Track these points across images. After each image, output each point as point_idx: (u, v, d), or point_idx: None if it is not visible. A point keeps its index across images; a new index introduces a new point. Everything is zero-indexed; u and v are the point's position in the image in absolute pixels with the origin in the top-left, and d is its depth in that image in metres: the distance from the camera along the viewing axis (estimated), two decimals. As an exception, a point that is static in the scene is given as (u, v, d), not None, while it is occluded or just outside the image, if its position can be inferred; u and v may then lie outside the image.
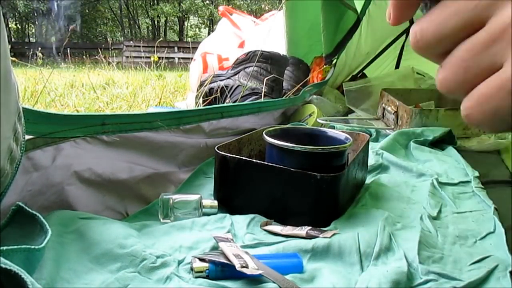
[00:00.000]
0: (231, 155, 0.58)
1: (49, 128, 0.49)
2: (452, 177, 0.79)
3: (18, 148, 0.38)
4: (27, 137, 0.43)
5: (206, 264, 0.41)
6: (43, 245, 0.34)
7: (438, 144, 1.05)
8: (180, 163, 0.72)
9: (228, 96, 1.31)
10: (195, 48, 1.89)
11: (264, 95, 1.23)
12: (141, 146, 0.62)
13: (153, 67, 3.55)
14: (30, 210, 0.38)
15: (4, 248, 0.30)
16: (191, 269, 0.41)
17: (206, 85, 1.37)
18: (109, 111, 1.58)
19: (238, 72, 1.35)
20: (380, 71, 1.83)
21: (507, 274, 0.44)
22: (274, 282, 0.38)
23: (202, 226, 0.52)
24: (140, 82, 2.73)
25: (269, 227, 0.53)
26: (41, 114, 0.48)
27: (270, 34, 1.47)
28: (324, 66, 1.50)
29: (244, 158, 0.57)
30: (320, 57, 1.55)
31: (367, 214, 0.56)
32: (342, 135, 0.64)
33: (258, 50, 1.31)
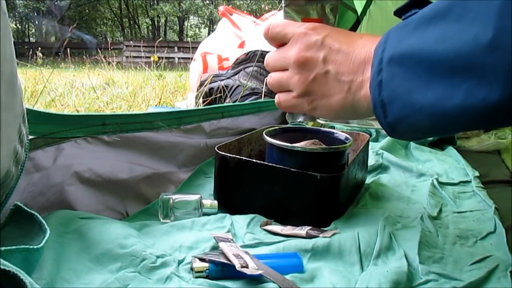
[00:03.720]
0: (231, 155, 0.58)
1: (49, 128, 0.49)
2: (452, 177, 0.79)
3: (22, 150, 0.38)
4: (27, 137, 0.43)
5: (206, 264, 0.41)
6: (41, 244, 0.34)
7: (438, 144, 1.05)
8: (180, 163, 0.72)
9: (228, 96, 1.31)
10: (195, 48, 1.89)
11: (264, 95, 1.23)
12: (141, 146, 0.62)
13: (153, 67, 3.55)
14: (29, 210, 0.38)
15: (3, 248, 0.30)
16: (191, 269, 0.41)
17: (206, 85, 1.37)
18: (109, 111, 1.58)
19: (238, 72, 1.35)
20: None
21: (507, 274, 0.44)
22: (274, 282, 0.38)
23: (202, 226, 0.52)
24: (140, 82, 2.73)
25: (269, 227, 0.53)
26: (41, 114, 0.48)
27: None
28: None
29: (244, 158, 0.57)
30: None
31: (367, 214, 0.56)
32: (342, 135, 0.64)
33: (258, 50, 1.31)
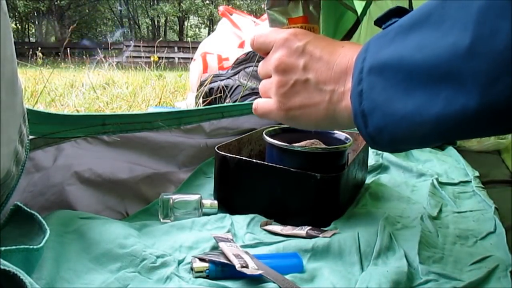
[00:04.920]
0: (231, 155, 0.58)
1: (49, 128, 0.49)
2: (452, 177, 0.79)
3: (23, 150, 0.39)
4: (27, 137, 0.43)
5: (206, 264, 0.41)
6: (41, 244, 0.34)
7: (438, 144, 1.05)
8: (180, 163, 0.72)
9: (228, 96, 1.31)
10: (195, 48, 1.89)
11: (264, 95, 1.23)
12: (141, 146, 0.62)
13: (153, 67, 3.55)
14: (28, 210, 0.38)
15: (3, 248, 0.30)
16: (191, 269, 0.41)
17: (206, 85, 1.37)
18: (109, 111, 1.58)
19: (238, 72, 1.35)
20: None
21: (507, 274, 0.44)
22: (274, 282, 0.38)
23: (202, 226, 0.52)
24: (140, 82, 2.73)
25: (269, 227, 0.53)
26: (41, 114, 0.48)
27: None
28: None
29: (244, 158, 0.57)
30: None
31: (367, 214, 0.56)
32: (342, 135, 0.64)
33: (258, 50, 1.31)
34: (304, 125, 0.41)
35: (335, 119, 0.38)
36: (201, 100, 1.36)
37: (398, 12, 0.33)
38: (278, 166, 0.54)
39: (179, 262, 0.42)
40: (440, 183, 0.74)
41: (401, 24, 0.30)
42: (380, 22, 0.34)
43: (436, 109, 0.27)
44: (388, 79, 0.30)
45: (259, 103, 0.44)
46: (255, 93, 1.27)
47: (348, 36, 1.50)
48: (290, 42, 0.39)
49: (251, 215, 0.55)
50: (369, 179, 0.74)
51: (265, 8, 0.48)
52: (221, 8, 1.91)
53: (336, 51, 0.37)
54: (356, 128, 0.34)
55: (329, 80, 0.36)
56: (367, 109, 0.32)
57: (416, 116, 0.28)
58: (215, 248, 0.45)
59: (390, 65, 0.29)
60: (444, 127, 0.27)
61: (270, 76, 0.41)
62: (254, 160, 0.57)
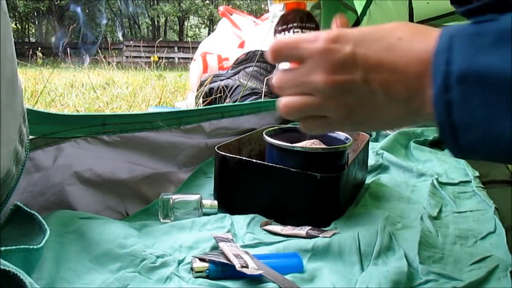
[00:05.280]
0: (231, 155, 0.58)
1: (49, 128, 0.49)
2: (452, 177, 0.79)
3: (23, 150, 0.39)
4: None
5: (206, 264, 0.41)
6: (41, 244, 0.34)
7: (438, 144, 1.05)
8: (180, 163, 0.72)
9: (228, 96, 1.31)
10: (195, 48, 1.89)
11: (264, 95, 1.23)
12: (141, 146, 0.62)
13: (153, 67, 3.55)
14: (28, 210, 0.38)
15: (3, 248, 0.30)
16: (191, 269, 0.41)
17: (206, 85, 1.37)
18: (109, 111, 1.58)
19: (238, 72, 1.35)
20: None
21: (507, 274, 0.44)
22: (274, 282, 0.38)
23: (202, 226, 0.52)
24: (140, 82, 2.73)
25: (269, 227, 0.53)
26: (41, 114, 0.48)
27: (270, 34, 1.47)
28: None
29: (244, 158, 0.57)
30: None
31: (367, 214, 0.56)
32: (342, 135, 0.64)
33: (258, 50, 1.31)
34: (375, 129, 0.37)
35: (415, 121, 0.33)
36: (201, 100, 1.36)
37: (498, 6, 0.27)
38: (278, 166, 0.54)
39: (179, 262, 0.42)
40: (440, 183, 0.74)
41: (506, 28, 0.25)
42: (469, 13, 0.29)
43: None
44: (492, 94, 0.25)
45: (312, 126, 0.37)
46: (255, 93, 1.27)
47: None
48: (333, 54, 0.31)
49: (251, 215, 0.55)
50: (369, 179, 0.74)
51: None
52: (221, 8, 1.91)
53: (394, 47, 0.30)
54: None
55: (399, 88, 0.30)
56: (458, 124, 0.26)
57: None
58: (215, 248, 0.45)
59: (496, 78, 0.24)
60: None
61: (305, 94, 0.34)
62: (254, 160, 0.57)
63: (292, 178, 0.53)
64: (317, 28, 0.43)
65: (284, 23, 0.43)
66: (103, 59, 3.47)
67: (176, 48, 9.62)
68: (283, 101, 0.35)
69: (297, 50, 0.34)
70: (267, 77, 1.26)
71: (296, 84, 0.34)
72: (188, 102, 1.68)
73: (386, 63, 0.30)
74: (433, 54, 0.27)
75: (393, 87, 0.30)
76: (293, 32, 0.42)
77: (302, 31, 0.42)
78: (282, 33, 0.43)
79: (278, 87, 0.36)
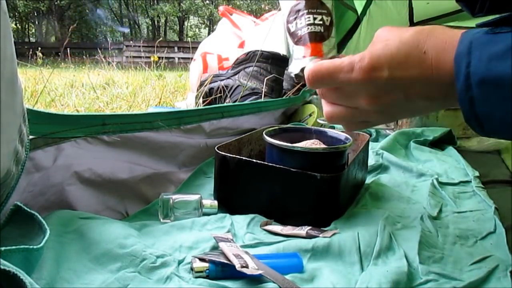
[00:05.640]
0: (231, 155, 0.58)
1: (49, 128, 0.49)
2: (452, 177, 0.79)
3: (23, 150, 0.39)
4: (27, 137, 0.43)
5: (206, 264, 0.41)
6: (41, 244, 0.34)
7: (438, 144, 1.05)
8: (180, 163, 0.72)
9: (228, 96, 1.31)
10: (195, 48, 1.89)
11: (264, 95, 1.23)
12: (141, 146, 0.62)
13: (153, 67, 3.55)
14: (28, 210, 0.38)
15: (3, 248, 0.30)
16: (191, 269, 0.41)
17: (206, 85, 1.37)
18: (109, 111, 1.58)
19: (238, 72, 1.35)
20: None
21: (507, 274, 0.44)
22: (274, 282, 0.38)
23: (202, 226, 0.52)
24: (140, 82, 2.73)
25: (269, 227, 0.53)
26: (41, 114, 0.48)
27: (270, 34, 1.47)
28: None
29: (244, 158, 0.57)
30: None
31: (367, 214, 0.56)
32: (342, 135, 0.64)
33: (258, 50, 1.31)
34: (404, 118, 0.43)
35: (445, 107, 0.39)
36: (201, 100, 1.36)
37: (510, 21, 0.30)
38: (278, 166, 0.54)
39: (179, 262, 0.42)
40: (440, 183, 0.74)
41: None
42: (486, 26, 0.32)
43: None
44: (507, 97, 0.28)
45: (356, 127, 0.42)
46: (255, 93, 1.27)
47: (348, 35, 1.50)
48: (372, 84, 0.35)
49: (251, 215, 0.55)
50: (369, 179, 0.74)
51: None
52: (221, 8, 1.91)
53: (423, 63, 0.33)
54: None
55: (439, 94, 0.34)
56: (481, 116, 0.31)
57: None
58: (215, 248, 0.45)
59: (510, 82, 0.28)
60: None
61: (351, 107, 0.39)
62: (254, 160, 0.57)
63: (292, 178, 0.53)
64: (329, 14, 0.45)
65: (296, 12, 0.45)
66: (103, 59, 3.47)
67: (176, 48, 9.63)
68: (329, 109, 0.40)
69: (335, 79, 0.37)
70: (267, 77, 1.26)
71: (343, 98, 0.38)
72: (188, 102, 1.68)
73: (422, 79, 0.34)
74: (455, 56, 0.31)
75: (432, 95, 0.34)
76: (305, 19, 0.45)
77: (313, 17, 0.44)
78: (294, 22, 0.45)
79: (323, 95, 0.40)
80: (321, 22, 0.38)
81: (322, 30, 0.37)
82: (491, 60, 0.29)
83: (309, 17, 0.41)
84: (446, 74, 0.32)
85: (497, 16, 0.31)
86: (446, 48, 0.32)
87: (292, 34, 0.39)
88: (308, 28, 0.43)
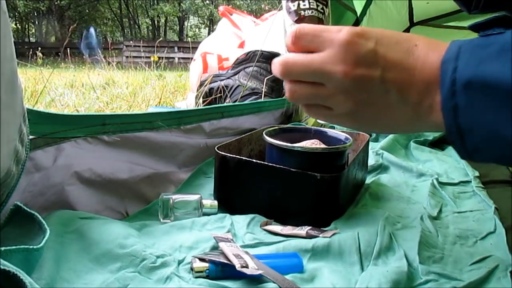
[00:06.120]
0: (231, 155, 0.58)
1: (50, 128, 0.49)
2: (452, 177, 0.79)
3: (23, 149, 0.38)
4: (27, 137, 0.43)
5: (206, 264, 0.41)
6: (41, 244, 0.34)
7: (438, 144, 1.05)
8: (180, 163, 0.72)
9: (228, 96, 1.31)
10: (195, 48, 1.89)
11: (264, 95, 1.23)
12: (141, 146, 0.62)
13: (153, 67, 3.55)
14: (28, 210, 0.38)
15: (3, 248, 0.30)
16: (191, 269, 0.41)
17: (206, 85, 1.37)
18: (109, 111, 1.58)
19: (238, 72, 1.35)
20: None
21: (507, 274, 0.44)
22: (274, 282, 0.38)
23: (202, 226, 0.52)
24: (140, 82, 2.73)
25: (269, 227, 0.53)
26: (41, 114, 0.48)
27: (270, 34, 1.47)
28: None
29: (244, 158, 0.57)
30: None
31: (367, 214, 0.56)
32: (342, 135, 0.64)
33: (258, 50, 1.31)
34: (378, 131, 0.37)
35: (417, 127, 0.34)
36: (201, 100, 1.36)
37: (505, 21, 0.29)
38: (278, 166, 0.54)
39: (179, 262, 0.42)
40: (440, 183, 0.74)
41: (510, 41, 0.26)
42: (477, 28, 0.30)
43: None
44: (494, 101, 0.26)
45: (315, 112, 0.37)
46: (255, 93, 1.27)
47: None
48: (356, 47, 0.32)
49: (251, 215, 0.55)
50: (369, 179, 0.74)
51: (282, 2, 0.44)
52: (221, 8, 1.91)
53: (412, 52, 0.31)
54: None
55: (412, 90, 0.31)
56: (464, 127, 0.28)
57: None
58: (215, 248, 0.45)
59: (500, 87, 0.26)
60: None
61: (316, 82, 0.34)
62: (254, 160, 0.57)
63: (292, 178, 0.53)
64: (327, 6, 0.43)
65: None
66: (103, 59, 3.47)
67: (176, 48, 9.62)
68: (291, 86, 0.35)
69: (319, 37, 0.33)
70: (267, 77, 1.26)
71: (310, 71, 0.34)
72: (188, 102, 1.68)
73: (405, 64, 0.31)
74: (442, 62, 0.29)
75: (407, 88, 0.31)
76: (309, 2, 0.42)
77: (317, 4, 0.42)
78: (296, 2, 0.41)
79: (287, 70, 0.35)
80: (322, 11, 0.38)
81: (324, 19, 0.38)
82: (480, 62, 0.27)
83: (313, 2, 0.40)
84: (430, 74, 0.30)
85: (488, 17, 0.30)
86: (439, 49, 0.30)
87: (292, 13, 0.38)
88: (312, 12, 0.42)
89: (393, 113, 0.33)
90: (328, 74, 0.33)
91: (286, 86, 0.36)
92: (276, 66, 0.35)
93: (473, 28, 0.31)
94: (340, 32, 0.32)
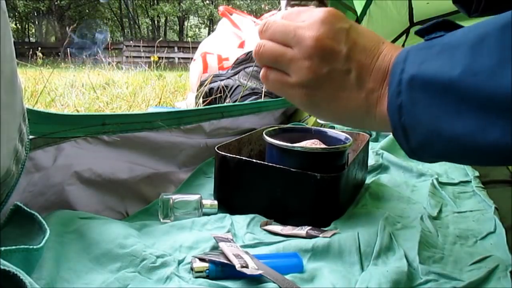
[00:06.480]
0: (231, 155, 0.58)
1: (49, 128, 0.49)
2: (452, 177, 0.79)
3: (23, 149, 0.38)
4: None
5: (206, 264, 0.41)
6: (41, 244, 0.34)
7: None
8: (180, 163, 0.72)
9: (228, 96, 1.31)
10: (195, 48, 1.89)
11: (264, 95, 1.23)
12: (141, 146, 0.62)
13: (153, 67, 3.55)
14: (28, 210, 0.38)
15: (3, 248, 0.30)
16: (191, 269, 0.41)
17: (206, 85, 1.37)
18: (109, 111, 1.58)
19: (238, 72, 1.35)
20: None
21: (507, 274, 0.44)
22: (274, 282, 0.38)
23: (202, 226, 0.52)
24: (140, 82, 2.73)
25: (269, 227, 0.53)
26: (41, 114, 0.48)
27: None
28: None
29: (244, 158, 0.57)
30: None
31: (367, 214, 0.56)
32: (342, 135, 0.64)
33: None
34: (325, 116, 0.37)
35: (365, 119, 0.35)
36: (201, 100, 1.36)
37: (445, 25, 0.31)
38: (278, 166, 0.54)
39: (179, 262, 0.42)
40: (440, 183, 0.74)
41: (449, 41, 0.28)
42: (422, 32, 0.32)
43: (491, 137, 0.25)
44: (434, 98, 0.28)
45: (272, 77, 0.37)
46: (255, 93, 1.27)
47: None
48: (331, 23, 0.34)
49: (251, 215, 0.55)
50: (369, 179, 0.74)
51: (282, 5, 0.47)
52: (221, 8, 1.91)
53: (378, 45, 0.34)
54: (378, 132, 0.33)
55: (369, 76, 0.33)
56: (408, 125, 0.30)
57: (468, 140, 0.27)
58: (215, 248, 0.45)
59: (436, 82, 0.27)
60: (499, 156, 0.26)
61: (286, 44, 0.36)
62: (254, 160, 0.57)
63: (292, 178, 0.53)
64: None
65: None
66: (103, 59, 3.47)
67: (176, 48, 9.63)
68: (262, 42, 0.37)
69: (305, 12, 0.36)
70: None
71: (285, 30, 0.36)
72: (188, 102, 1.68)
73: (369, 51, 0.34)
74: (393, 64, 0.31)
75: (366, 73, 0.33)
76: None
77: None
78: None
79: (267, 26, 0.37)
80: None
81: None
82: (422, 62, 0.29)
83: None
84: (385, 69, 0.32)
85: (430, 22, 0.32)
86: (397, 52, 0.32)
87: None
88: (313, 2, 0.43)
89: (347, 96, 0.34)
90: (300, 37, 0.34)
91: (258, 42, 0.38)
92: (260, 24, 0.39)
93: (419, 33, 0.33)
94: (318, 11, 0.35)
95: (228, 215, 0.54)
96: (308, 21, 0.35)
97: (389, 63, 0.32)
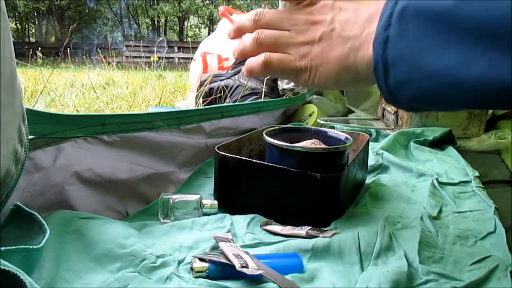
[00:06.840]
0: (231, 155, 0.58)
1: (49, 128, 0.49)
2: (452, 177, 0.79)
3: (22, 149, 0.38)
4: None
5: (206, 264, 0.41)
6: (41, 244, 0.34)
7: (438, 144, 1.05)
8: (180, 163, 0.72)
9: (228, 96, 1.31)
10: (195, 48, 1.89)
11: (264, 95, 1.23)
12: (141, 146, 0.62)
13: (153, 67, 3.55)
14: (28, 210, 0.38)
15: (3, 248, 0.30)
16: (191, 269, 0.41)
17: (206, 85, 1.37)
18: (109, 111, 1.58)
19: (238, 72, 1.35)
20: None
21: (507, 274, 0.44)
22: (274, 282, 0.38)
23: (202, 226, 0.52)
24: (140, 82, 2.73)
25: (269, 227, 0.53)
26: (41, 114, 0.48)
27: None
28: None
29: (244, 158, 0.57)
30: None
31: (367, 214, 0.56)
32: (342, 135, 0.64)
33: (258, 50, 1.31)
34: (324, 80, 0.38)
35: (354, 69, 0.35)
36: (201, 100, 1.36)
37: None
38: (278, 166, 0.54)
39: (179, 262, 0.42)
40: (440, 183, 0.74)
41: None
42: None
43: (474, 71, 0.24)
44: (423, 28, 0.26)
45: (274, 58, 0.40)
46: (255, 93, 1.27)
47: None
48: (320, 2, 0.38)
49: (251, 215, 0.55)
50: (369, 179, 0.74)
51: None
52: (221, 8, 1.90)
53: (365, 2, 0.35)
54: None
55: (353, 26, 0.34)
56: (390, 59, 0.29)
57: (449, 75, 0.26)
58: (215, 248, 0.45)
59: (427, 12, 0.26)
60: (478, 92, 0.25)
61: (282, 29, 0.40)
62: (254, 160, 0.57)
63: (292, 178, 0.53)
64: None
65: None
66: (103, 59, 3.47)
67: (176, 48, 9.63)
68: (259, 31, 0.41)
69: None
70: (267, 77, 1.26)
71: (280, 17, 0.40)
72: (188, 102, 1.68)
73: (352, 8, 0.36)
74: (385, 3, 0.30)
75: (349, 25, 0.35)
76: None
77: None
78: None
79: (260, 16, 0.41)
80: None
81: None
82: None
83: None
84: (375, 9, 0.33)
85: None
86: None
87: None
88: None
89: (334, 50, 0.36)
90: (293, 20, 0.39)
91: (257, 30, 0.41)
92: (251, 13, 0.42)
93: None
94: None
95: (228, 215, 0.54)
96: (301, 7, 0.39)
97: (378, 6, 0.32)
